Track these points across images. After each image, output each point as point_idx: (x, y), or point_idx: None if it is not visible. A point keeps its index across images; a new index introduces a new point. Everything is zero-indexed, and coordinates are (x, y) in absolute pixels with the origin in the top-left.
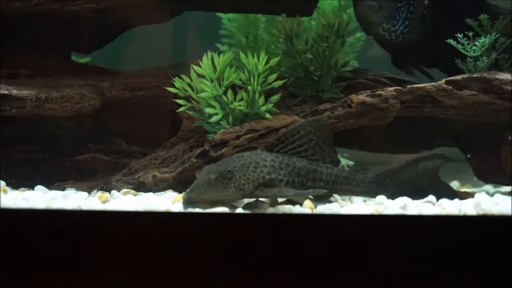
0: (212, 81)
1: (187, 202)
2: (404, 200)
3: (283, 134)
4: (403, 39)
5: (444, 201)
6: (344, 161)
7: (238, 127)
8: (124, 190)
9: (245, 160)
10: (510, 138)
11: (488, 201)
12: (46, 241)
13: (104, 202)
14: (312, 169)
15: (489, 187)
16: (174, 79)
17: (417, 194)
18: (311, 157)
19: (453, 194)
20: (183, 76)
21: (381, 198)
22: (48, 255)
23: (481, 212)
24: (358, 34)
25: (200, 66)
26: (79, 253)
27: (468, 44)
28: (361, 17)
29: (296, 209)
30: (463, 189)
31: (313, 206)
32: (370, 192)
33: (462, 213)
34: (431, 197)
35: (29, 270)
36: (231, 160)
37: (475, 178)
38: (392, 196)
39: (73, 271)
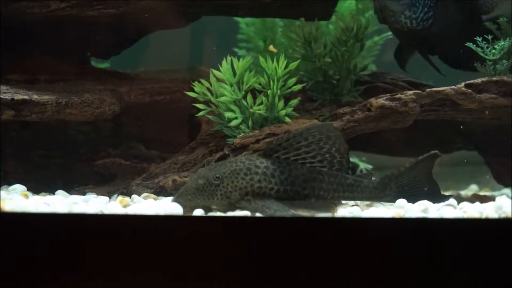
0: (231, 85)
1: None
2: (424, 203)
3: (286, 139)
4: (423, 26)
5: (465, 204)
6: (362, 165)
7: (257, 131)
8: (145, 194)
9: (237, 166)
10: None
11: (509, 204)
12: (69, 244)
13: (125, 206)
14: (311, 178)
15: (508, 191)
16: (194, 84)
17: (414, 196)
18: (318, 164)
19: (439, 197)
20: (202, 81)
21: (402, 201)
22: (72, 258)
23: (502, 215)
24: (376, 38)
25: (208, 72)
26: (102, 256)
27: (487, 47)
28: (382, 6)
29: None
30: (481, 193)
31: (335, 209)
32: (375, 197)
33: (484, 216)
34: (452, 201)
35: (52, 273)
36: (223, 164)
37: (493, 182)
38: (394, 199)
39: (95, 275)
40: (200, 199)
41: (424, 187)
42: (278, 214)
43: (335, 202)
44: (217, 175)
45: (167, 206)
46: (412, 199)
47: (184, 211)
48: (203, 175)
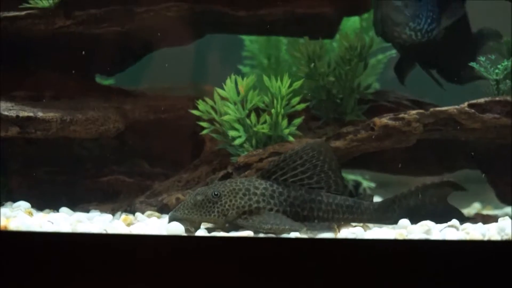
0: (235, 103)
1: (171, 220)
2: (427, 224)
3: (283, 159)
4: (427, 37)
5: (467, 225)
6: (365, 183)
7: (261, 150)
8: (148, 212)
9: (237, 186)
10: None
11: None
12: (73, 264)
13: (128, 225)
14: (310, 198)
15: (510, 210)
16: (198, 102)
17: (424, 219)
18: (314, 185)
19: (463, 219)
20: (206, 99)
21: (404, 221)
22: (76, 277)
23: (505, 237)
24: (380, 56)
25: (212, 90)
26: (106, 276)
27: (490, 67)
28: (385, 19)
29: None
30: (484, 211)
31: (337, 231)
32: (375, 219)
33: (486, 238)
34: (455, 222)
35: None
36: (223, 184)
37: (496, 200)
38: (397, 222)
39: None
40: (197, 215)
41: (435, 211)
42: (275, 227)
43: (336, 224)
44: (216, 193)
45: (170, 226)
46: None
47: (169, 223)
48: (202, 192)
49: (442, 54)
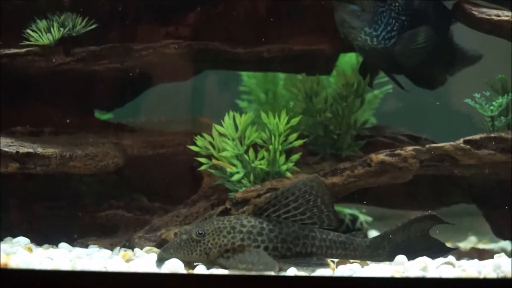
0: (233, 140)
1: (159, 261)
2: (424, 260)
3: (275, 196)
4: (384, 44)
5: (464, 262)
6: (362, 217)
7: (259, 186)
8: (147, 248)
9: (222, 224)
10: None
11: (508, 263)
12: None
13: (128, 261)
14: (303, 235)
15: (506, 243)
16: (196, 138)
17: (411, 255)
18: (307, 221)
19: (446, 251)
20: (204, 135)
21: (401, 258)
22: None
23: (501, 275)
24: (376, 91)
25: (209, 123)
26: None
27: (485, 104)
28: (342, 22)
29: (317, 270)
30: (480, 245)
31: (334, 267)
32: (367, 256)
33: (482, 275)
34: (451, 258)
35: None
36: (210, 222)
37: (492, 233)
38: (388, 258)
39: None
40: (181, 254)
41: (420, 245)
42: (250, 267)
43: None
44: (200, 232)
45: (169, 264)
46: (410, 256)
47: (157, 264)
48: (187, 231)
49: (410, 60)
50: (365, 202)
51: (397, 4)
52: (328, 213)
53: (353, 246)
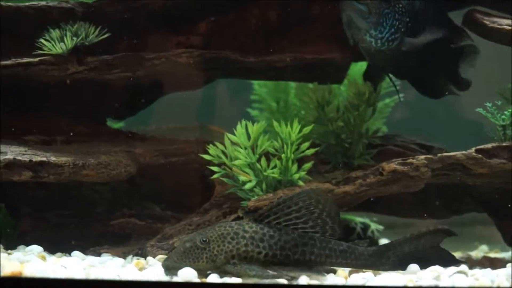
0: (246, 148)
1: (167, 269)
2: (437, 269)
3: (276, 204)
4: (388, 46)
5: (476, 271)
6: (373, 225)
7: (271, 194)
8: (159, 256)
9: (225, 230)
10: None
11: None
12: None
13: (141, 269)
14: (302, 242)
15: None
16: (209, 146)
17: (422, 264)
18: (309, 230)
19: (455, 261)
20: (217, 143)
21: (414, 267)
22: None
23: None
24: (387, 100)
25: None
26: None
27: (497, 113)
28: (349, 22)
29: (329, 278)
30: (492, 254)
31: (347, 275)
32: (370, 265)
33: (495, 285)
34: (464, 267)
35: None
36: (212, 229)
37: (503, 242)
38: (392, 268)
39: None
40: (186, 262)
41: (428, 256)
42: (259, 274)
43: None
44: (204, 239)
45: (182, 273)
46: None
47: (166, 273)
48: (191, 238)
49: (414, 65)
50: (375, 211)
51: (400, 6)
52: (333, 224)
53: (354, 255)
